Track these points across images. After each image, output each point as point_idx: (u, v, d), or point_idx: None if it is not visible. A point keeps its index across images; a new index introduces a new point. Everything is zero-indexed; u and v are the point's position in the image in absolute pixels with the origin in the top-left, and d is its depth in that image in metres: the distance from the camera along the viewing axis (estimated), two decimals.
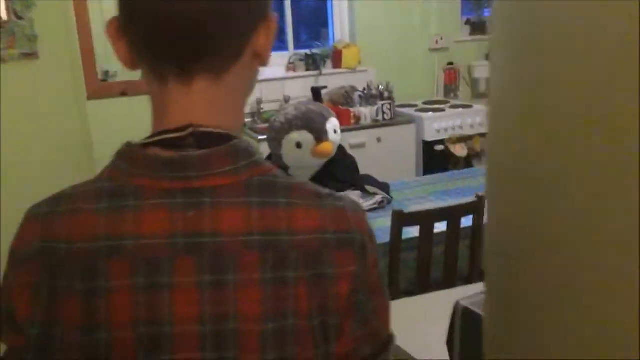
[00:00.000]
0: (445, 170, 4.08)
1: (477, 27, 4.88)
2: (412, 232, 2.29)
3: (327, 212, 0.68)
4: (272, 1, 0.73)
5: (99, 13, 3.67)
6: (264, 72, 4.37)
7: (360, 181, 2.95)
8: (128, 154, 0.68)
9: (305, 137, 2.78)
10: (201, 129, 0.67)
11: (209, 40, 0.66)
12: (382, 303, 0.73)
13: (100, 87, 3.75)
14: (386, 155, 3.96)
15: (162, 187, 0.65)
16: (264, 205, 0.66)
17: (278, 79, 4.31)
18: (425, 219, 2.24)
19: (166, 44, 0.66)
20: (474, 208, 2.30)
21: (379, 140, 4.00)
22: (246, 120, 4.17)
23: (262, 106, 4.20)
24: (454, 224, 2.28)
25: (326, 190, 0.72)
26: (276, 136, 2.81)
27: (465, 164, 4.10)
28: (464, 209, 2.29)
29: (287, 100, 4.26)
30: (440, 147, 4.07)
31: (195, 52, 0.66)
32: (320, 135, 2.80)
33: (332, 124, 2.91)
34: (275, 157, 2.86)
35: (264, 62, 0.73)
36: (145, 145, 0.68)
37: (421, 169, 4.13)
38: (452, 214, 2.28)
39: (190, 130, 0.67)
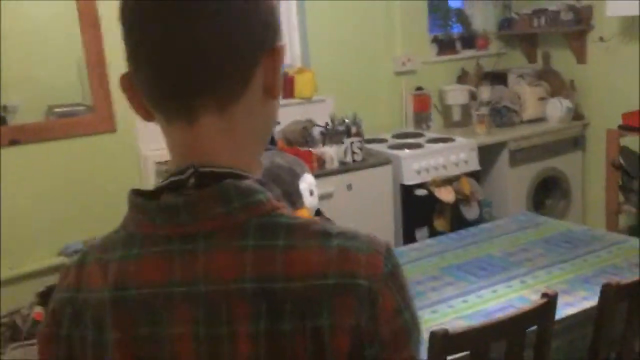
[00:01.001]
0: (429, 220, 3.35)
1: (445, 46, 4.21)
2: None
3: (332, 254, 0.62)
4: (279, 30, 0.68)
5: None
6: None
7: None
8: (130, 202, 0.67)
9: None
10: (202, 169, 0.64)
11: (211, 73, 0.63)
12: (405, 357, 0.63)
13: None
14: (359, 206, 3.18)
15: (162, 233, 0.64)
16: (259, 248, 0.62)
17: None
18: (478, 339, 1.46)
19: (169, 80, 0.64)
20: (542, 314, 1.54)
21: (349, 187, 3.22)
22: None
23: None
24: (515, 338, 1.51)
25: (340, 229, 0.64)
26: None
27: (452, 212, 3.38)
28: (529, 318, 1.52)
29: None
30: (422, 192, 3.33)
31: (197, 86, 0.64)
32: (292, 200, 1.98)
33: (307, 182, 2.10)
34: None
35: (273, 96, 0.68)
36: (157, 190, 0.66)
37: (400, 221, 3.38)
38: (513, 327, 1.51)
39: (190, 171, 0.64)
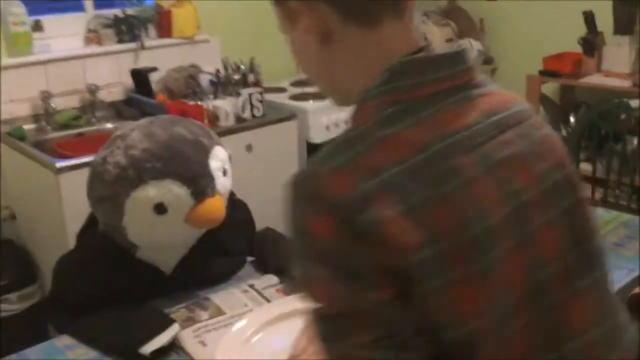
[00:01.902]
0: None
1: None
2: None
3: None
4: None
5: None
6: (49, 47, 2.75)
7: (266, 255, 1.66)
8: (408, 67, 0.73)
9: (172, 192, 1.38)
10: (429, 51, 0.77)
11: None
12: None
13: None
14: (262, 169, 2.64)
15: (442, 88, 0.73)
16: (497, 91, 0.80)
17: (73, 57, 2.73)
18: None
19: None
20: None
21: (248, 148, 2.67)
22: (28, 127, 2.58)
23: (51, 102, 2.61)
24: None
25: None
26: (110, 194, 1.37)
27: None
28: None
29: (92, 90, 2.71)
30: None
31: None
32: (201, 186, 1.43)
33: (219, 158, 1.57)
34: (106, 230, 1.43)
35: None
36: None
37: None
38: None
39: (424, 52, 0.76)
